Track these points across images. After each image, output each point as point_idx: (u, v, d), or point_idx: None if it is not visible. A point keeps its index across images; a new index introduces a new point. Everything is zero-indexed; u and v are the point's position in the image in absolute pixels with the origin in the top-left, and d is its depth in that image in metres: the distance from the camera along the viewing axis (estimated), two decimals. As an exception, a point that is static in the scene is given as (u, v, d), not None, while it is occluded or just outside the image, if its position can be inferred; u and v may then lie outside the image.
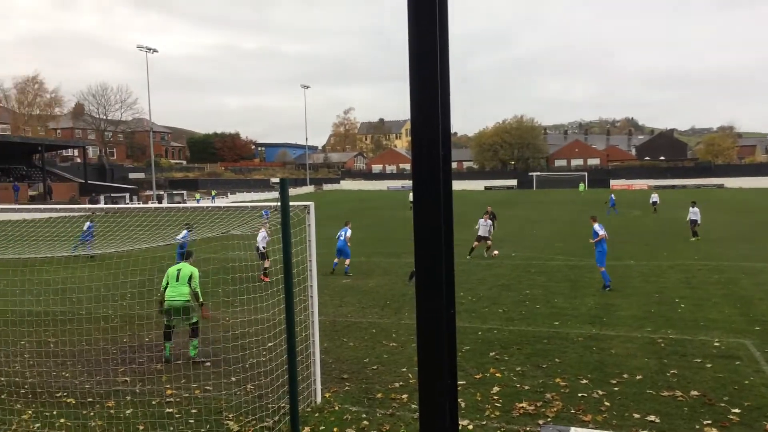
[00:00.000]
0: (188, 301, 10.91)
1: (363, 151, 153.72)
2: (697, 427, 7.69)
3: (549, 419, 7.97)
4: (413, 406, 8.55)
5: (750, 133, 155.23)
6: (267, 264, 18.97)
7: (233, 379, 9.39)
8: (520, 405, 8.47)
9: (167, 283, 11.05)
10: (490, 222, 24.50)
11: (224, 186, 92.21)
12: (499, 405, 8.54)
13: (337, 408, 8.63)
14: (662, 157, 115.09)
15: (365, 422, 8.08)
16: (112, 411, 8.65)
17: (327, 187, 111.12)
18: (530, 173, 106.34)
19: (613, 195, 52.29)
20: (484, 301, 15.77)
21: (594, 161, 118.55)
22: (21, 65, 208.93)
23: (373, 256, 24.76)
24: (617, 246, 25.96)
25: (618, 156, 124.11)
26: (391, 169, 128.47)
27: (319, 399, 8.83)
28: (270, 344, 9.43)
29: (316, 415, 8.41)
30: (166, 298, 10.93)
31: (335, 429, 7.89)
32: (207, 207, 11.01)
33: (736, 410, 8.12)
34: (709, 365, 10.07)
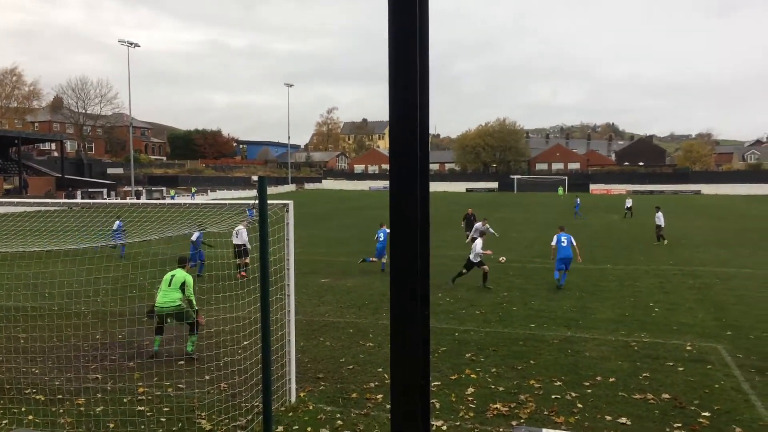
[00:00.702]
0: (179, 306, 10.70)
1: (345, 151, 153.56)
2: (668, 430, 7.77)
3: (522, 420, 8.01)
4: (387, 406, 8.53)
5: (728, 141, 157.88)
6: (247, 260, 18.90)
7: (207, 377, 9.31)
8: (494, 406, 8.50)
9: (159, 288, 10.94)
10: (487, 226, 24.35)
11: (204, 183, 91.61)
12: (473, 406, 8.55)
13: (311, 407, 8.59)
14: (641, 163, 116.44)
15: (339, 422, 8.04)
16: (82, 408, 8.52)
17: (309, 186, 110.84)
18: (511, 176, 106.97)
19: (578, 199, 52.78)
20: (461, 302, 15.81)
21: (574, 165, 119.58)
22: (2, 58, 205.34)
23: (353, 256, 24.70)
24: (594, 250, 26.23)
25: (598, 161, 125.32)
26: (373, 169, 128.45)
27: (293, 398, 8.78)
28: (245, 343, 9.36)
29: (290, 414, 8.35)
30: (156, 304, 10.78)
31: (309, 429, 7.85)
32: (185, 204, 10.88)
33: (706, 413, 8.23)
34: (681, 369, 10.19)
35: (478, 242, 18.27)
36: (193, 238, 19.36)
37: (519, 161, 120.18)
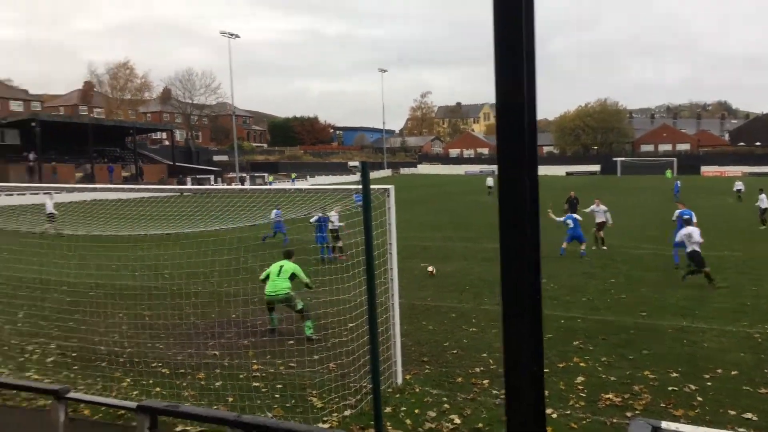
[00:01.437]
0: (288, 293, 11.48)
1: (440, 135, 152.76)
2: (801, 428, 7.24)
3: (637, 412, 7.72)
4: (494, 391, 8.48)
5: None
6: (340, 243, 19.50)
7: (315, 357, 9.60)
8: (606, 396, 8.25)
9: (267, 277, 11.69)
10: (604, 207, 23.00)
11: (303, 169, 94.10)
12: (583, 395, 8.34)
13: (417, 390, 8.68)
14: (758, 143, 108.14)
15: (446, 405, 8.08)
16: (203, 382, 9.06)
17: (404, 171, 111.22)
18: (614, 158, 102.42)
19: (678, 182, 49.64)
20: (566, 288, 15.41)
21: (683, 146, 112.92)
22: (112, 52, 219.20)
23: (450, 241, 24.64)
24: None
25: (709, 141, 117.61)
26: (468, 153, 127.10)
27: (399, 380, 8.91)
28: (350, 325, 9.57)
29: (397, 396, 8.49)
30: (266, 292, 11.58)
31: (416, 410, 7.94)
32: (290, 190, 11.27)
33: None
34: (813, 364, 9.45)
35: (694, 232, 15.52)
36: (272, 215, 19.73)
37: (622, 143, 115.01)
